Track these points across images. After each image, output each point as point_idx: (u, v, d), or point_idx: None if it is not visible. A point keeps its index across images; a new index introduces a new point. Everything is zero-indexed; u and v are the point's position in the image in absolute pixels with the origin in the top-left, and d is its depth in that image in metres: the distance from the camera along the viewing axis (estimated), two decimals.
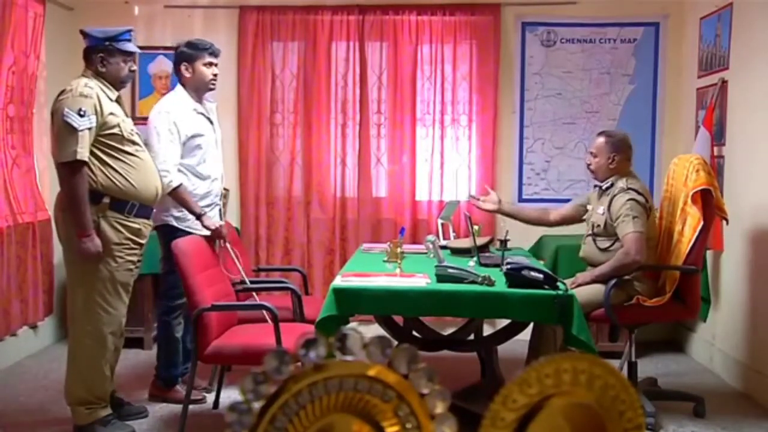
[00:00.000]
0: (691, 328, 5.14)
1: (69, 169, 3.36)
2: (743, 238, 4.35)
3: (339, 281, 3.30)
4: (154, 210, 3.70)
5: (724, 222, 4.14)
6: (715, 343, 4.75)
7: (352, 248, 5.26)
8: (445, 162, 5.57)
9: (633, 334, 3.98)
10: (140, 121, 5.49)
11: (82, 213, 3.37)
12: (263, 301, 3.87)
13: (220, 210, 4.11)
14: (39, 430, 3.69)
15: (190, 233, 3.85)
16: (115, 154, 3.48)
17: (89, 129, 3.37)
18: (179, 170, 3.86)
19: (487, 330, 4.67)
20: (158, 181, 3.66)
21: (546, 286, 3.16)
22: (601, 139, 3.99)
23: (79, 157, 3.33)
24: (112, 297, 3.52)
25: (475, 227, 4.14)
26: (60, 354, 5.00)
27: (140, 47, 5.46)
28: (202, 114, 3.99)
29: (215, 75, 4.01)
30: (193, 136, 3.89)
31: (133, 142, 3.55)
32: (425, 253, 4.18)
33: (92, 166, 3.43)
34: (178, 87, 4.01)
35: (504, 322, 4.02)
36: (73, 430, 3.58)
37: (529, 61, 5.54)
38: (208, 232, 3.91)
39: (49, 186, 5.14)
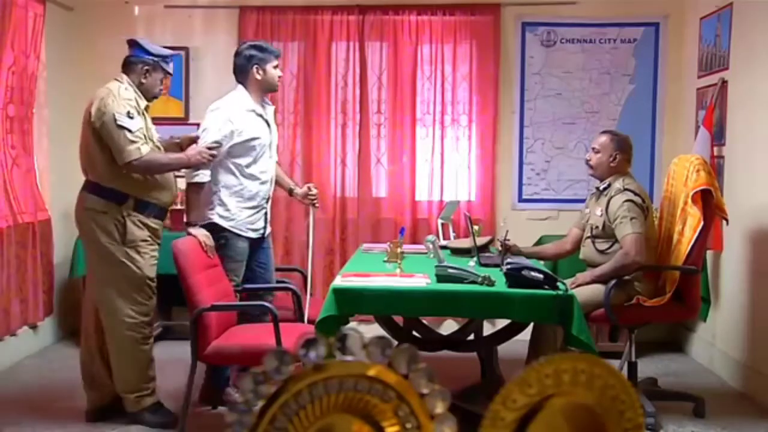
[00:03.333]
0: (691, 328, 5.14)
1: (136, 166, 3.56)
2: (743, 238, 4.35)
3: (339, 281, 3.30)
4: (196, 210, 3.82)
5: (724, 222, 4.13)
6: (715, 344, 4.75)
7: (352, 248, 5.25)
8: (445, 162, 5.57)
9: (633, 334, 3.98)
10: None
11: (179, 163, 3.73)
12: (262, 302, 3.86)
13: (266, 214, 4.06)
14: (38, 430, 3.69)
15: (237, 235, 3.86)
16: (149, 149, 3.62)
17: (140, 129, 3.58)
18: (229, 169, 3.87)
19: (487, 330, 4.67)
20: (175, 187, 3.86)
21: (546, 287, 3.16)
22: (606, 137, 4.00)
23: (143, 152, 3.54)
24: (142, 291, 3.68)
25: (475, 227, 4.13)
26: (60, 354, 5.01)
27: None
28: (260, 116, 3.98)
29: (279, 77, 4.10)
30: (249, 139, 3.86)
31: (158, 148, 3.75)
32: (425, 254, 4.18)
33: (119, 171, 3.59)
34: (240, 87, 3.98)
35: (504, 322, 4.02)
36: (128, 417, 3.75)
37: (529, 61, 5.54)
38: (255, 235, 3.94)
39: (48, 186, 5.14)
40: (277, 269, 5.28)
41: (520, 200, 5.61)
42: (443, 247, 4.18)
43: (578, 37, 5.50)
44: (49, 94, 5.18)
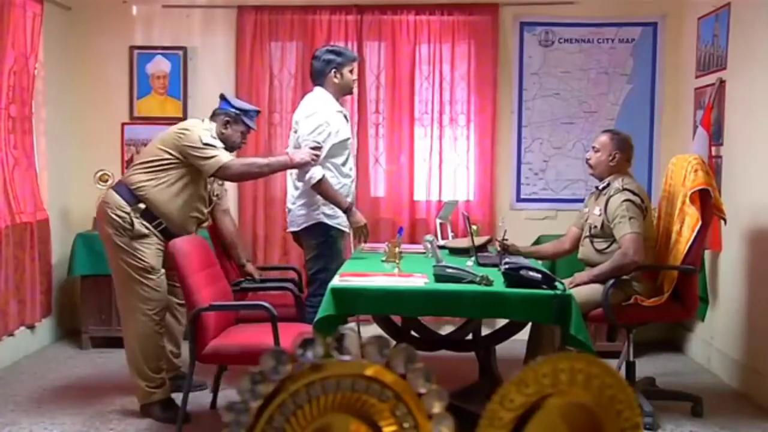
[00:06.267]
0: (689, 327, 5.14)
1: (227, 171, 3.77)
2: (741, 238, 4.36)
3: (337, 281, 3.29)
4: (337, 196, 3.94)
5: (722, 222, 4.14)
6: (713, 343, 4.75)
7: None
8: (443, 162, 5.56)
9: (631, 333, 3.98)
10: (138, 120, 5.51)
11: (281, 164, 3.97)
12: (260, 301, 3.86)
13: None
14: (36, 430, 3.69)
15: (342, 231, 4.01)
16: (186, 183, 3.80)
17: (223, 148, 3.83)
18: (327, 169, 3.96)
19: (486, 330, 4.67)
20: (193, 226, 3.94)
21: (544, 286, 3.15)
22: (606, 136, 4.01)
23: (225, 160, 3.73)
24: (147, 280, 3.75)
25: (474, 227, 4.13)
26: (58, 354, 5.01)
27: (138, 47, 5.53)
28: (344, 114, 4.10)
29: (355, 80, 4.21)
30: (344, 139, 4.03)
31: (208, 183, 3.98)
32: (423, 253, 4.18)
33: (150, 180, 3.75)
34: (320, 89, 4.10)
35: (502, 322, 4.02)
36: (140, 410, 3.83)
37: (527, 61, 5.54)
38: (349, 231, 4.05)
39: (46, 186, 5.14)
40: (275, 268, 5.31)
41: (519, 200, 5.61)
42: (441, 247, 4.18)
43: (576, 37, 5.50)
44: (48, 93, 5.17)
